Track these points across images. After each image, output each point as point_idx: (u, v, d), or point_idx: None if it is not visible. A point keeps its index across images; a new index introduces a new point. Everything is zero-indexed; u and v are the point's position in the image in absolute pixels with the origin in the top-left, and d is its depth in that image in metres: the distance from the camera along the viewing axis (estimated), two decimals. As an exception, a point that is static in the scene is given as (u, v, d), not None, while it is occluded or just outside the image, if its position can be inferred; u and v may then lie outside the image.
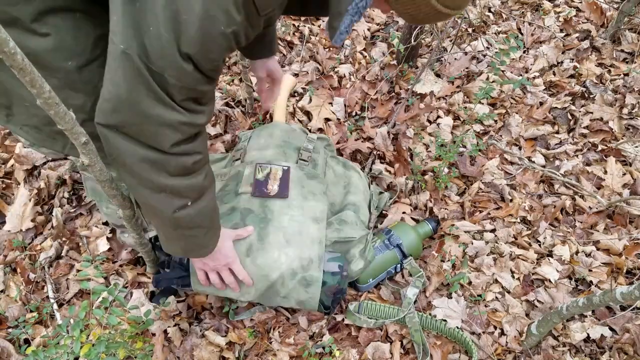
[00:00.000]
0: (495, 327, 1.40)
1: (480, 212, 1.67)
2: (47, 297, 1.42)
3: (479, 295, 1.45)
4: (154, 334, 1.34)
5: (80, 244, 1.53)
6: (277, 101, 1.55)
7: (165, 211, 0.92)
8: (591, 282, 1.48)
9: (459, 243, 1.57)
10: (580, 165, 1.78)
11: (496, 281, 1.49)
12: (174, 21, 0.69)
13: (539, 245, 1.59)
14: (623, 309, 1.39)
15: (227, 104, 1.91)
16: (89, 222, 1.57)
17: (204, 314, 1.40)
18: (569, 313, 1.20)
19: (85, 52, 0.83)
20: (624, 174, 1.74)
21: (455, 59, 2.14)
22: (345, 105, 1.94)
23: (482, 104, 1.97)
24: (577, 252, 1.56)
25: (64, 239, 1.53)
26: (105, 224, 1.56)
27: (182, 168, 0.88)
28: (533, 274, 1.51)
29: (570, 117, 1.94)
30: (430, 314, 1.39)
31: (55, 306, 1.39)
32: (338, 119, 1.90)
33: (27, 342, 1.34)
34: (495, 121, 1.94)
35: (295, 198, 1.31)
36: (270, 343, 1.35)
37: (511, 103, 2.00)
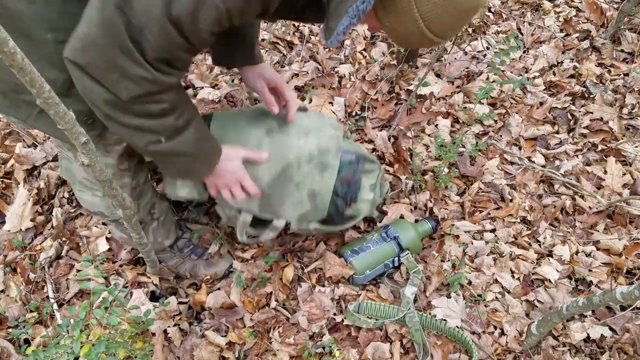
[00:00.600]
0: (495, 327, 1.40)
1: (480, 212, 1.67)
2: (47, 297, 1.41)
3: (479, 295, 1.45)
4: (154, 334, 1.34)
5: (80, 244, 1.53)
6: None
7: (138, 144, 0.94)
8: (591, 282, 1.48)
9: (459, 243, 1.57)
10: (580, 165, 1.78)
11: (496, 281, 1.49)
12: None
13: (539, 245, 1.59)
14: (623, 309, 1.39)
15: (227, 103, 1.91)
16: (89, 222, 1.57)
17: (204, 314, 1.40)
18: (569, 313, 1.20)
19: (67, 28, 0.82)
20: (624, 174, 1.74)
21: (455, 59, 2.14)
22: (345, 105, 1.94)
23: (482, 104, 1.97)
24: (577, 252, 1.56)
25: (64, 239, 1.53)
26: (105, 224, 1.56)
27: (147, 112, 0.88)
28: (533, 274, 1.51)
29: (570, 117, 1.94)
30: (430, 314, 1.39)
31: (55, 306, 1.39)
32: (339, 119, 1.90)
33: (27, 342, 1.34)
34: (495, 121, 1.94)
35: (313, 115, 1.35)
36: (270, 343, 1.35)
37: (511, 103, 2.00)
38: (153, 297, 1.43)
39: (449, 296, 1.44)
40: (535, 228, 1.62)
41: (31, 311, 1.37)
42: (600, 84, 2.05)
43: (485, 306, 1.44)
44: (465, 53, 2.16)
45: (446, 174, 1.70)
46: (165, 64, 0.82)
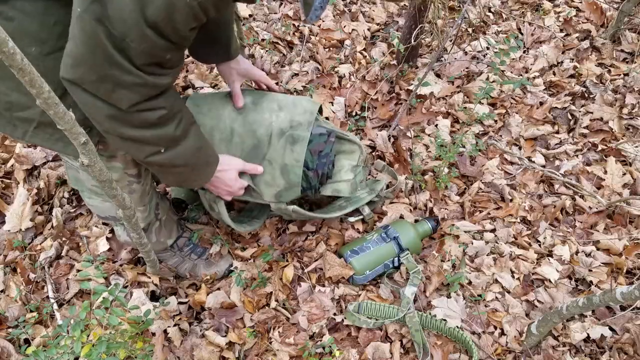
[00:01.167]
0: (495, 327, 1.40)
1: (480, 212, 1.67)
2: (47, 297, 1.41)
3: (479, 295, 1.45)
4: (154, 334, 1.34)
5: (80, 244, 1.53)
6: None
7: (138, 156, 0.96)
8: (591, 282, 1.48)
9: (459, 243, 1.57)
10: (580, 165, 1.78)
11: (496, 281, 1.49)
12: None
13: (539, 245, 1.59)
14: (623, 309, 1.39)
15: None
16: (89, 222, 1.57)
17: (204, 314, 1.40)
18: (569, 313, 1.20)
19: (50, 39, 0.83)
20: (624, 174, 1.74)
21: (455, 59, 2.14)
22: (345, 105, 1.94)
23: (482, 104, 1.97)
24: (577, 252, 1.56)
25: (64, 239, 1.53)
26: (105, 224, 1.56)
27: (146, 122, 0.89)
28: (533, 274, 1.51)
29: (570, 117, 1.94)
30: (430, 314, 1.39)
31: (55, 306, 1.39)
32: (339, 119, 1.90)
33: (27, 342, 1.33)
34: (495, 121, 1.94)
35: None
36: (270, 343, 1.35)
37: (511, 103, 2.00)
38: (153, 297, 1.43)
39: (449, 296, 1.44)
40: (535, 228, 1.62)
41: (31, 311, 1.37)
42: (600, 84, 2.05)
43: (485, 306, 1.44)
44: (465, 53, 2.16)
45: (446, 174, 1.70)
46: (155, 66, 0.83)
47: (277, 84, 1.87)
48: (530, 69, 2.14)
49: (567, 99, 1.99)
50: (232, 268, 1.48)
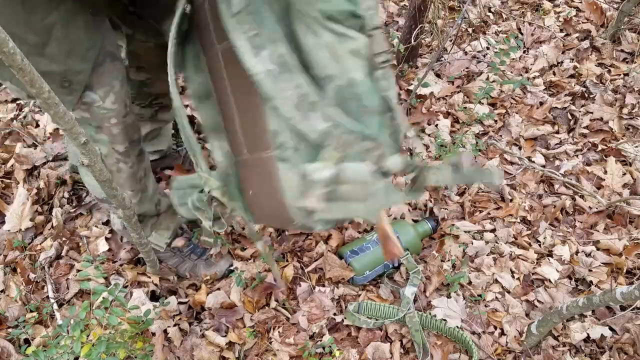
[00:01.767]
0: (495, 327, 1.40)
1: (480, 212, 1.67)
2: (47, 297, 1.41)
3: (479, 295, 1.45)
4: (154, 334, 1.34)
5: (80, 244, 1.53)
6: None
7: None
8: (591, 282, 1.48)
9: (459, 243, 1.57)
10: (580, 165, 1.78)
11: (496, 281, 1.49)
12: None
13: (539, 245, 1.59)
14: (623, 309, 1.39)
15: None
16: (89, 222, 1.57)
17: (204, 314, 1.40)
18: (569, 313, 1.20)
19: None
20: (624, 174, 1.74)
21: (455, 59, 2.14)
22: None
23: (482, 104, 1.97)
24: (577, 252, 1.56)
25: (64, 239, 1.53)
26: (105, 224, 1.56)
27: None
28: (533, 274, 1.51)
29: (570, 117, 1.94)
30: (430, 314, 1.39)
31: (55, 306, 1.39)
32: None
33: (27, 342, 1.33)
34: (495, 121, 1.94)
35: None
36: (270, 343, 1.35)
37: (511, 103, 2.00)
38: (153, 297, 1.43)
39: (449, 296, 1.44)
40: (535, 228, 1.62)
41: (31, 311, 1.37)
42: (600, 84, 2.05)
43: (485, 306, 1.44)
44: (465, 53, 2.16)
45: (446, 174, 1.70)
46: None
47: None
48: (530, 69, 2.14)
49: (567, 99, 1.99)
50: (232, 268, 1.48)
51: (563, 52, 2.19)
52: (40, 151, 1.69)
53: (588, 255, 1.55)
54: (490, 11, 2.42)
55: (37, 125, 1.80)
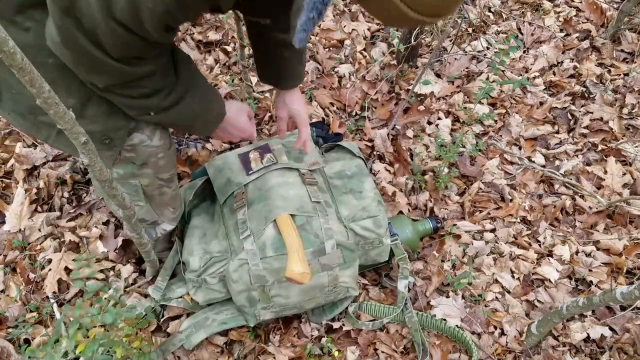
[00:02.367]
0: (495, 327, 1.40)
1: (480, 212, 1.67)
2: (47, 297, 1.41)
3: (479, 295, 1.45)
4: (153, 333, 1.34)
5: (80, 244, 1.53)
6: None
7: (130, 114, 0.95)
8: (591, 282, 1.48)
9: (459, 243, 1.57)
10: (580, 165, 1.78)
11: (496, 281, 1.49)
12: None
13: (539, 245, 1.59)
14: (623, 309, 1.39)
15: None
16: (88, 222, 1.57)
17: (204, 314, 1.40)
18: (569, 313, 1.20)
19: None
20: (624, 174, 1.74)
21: (455, 59, 2.14)
22: (345, 105, 1.94)
23: (482, 104, 1.97)
24: (577, 252, 1.56)
25: (63, 239, 1.53)
26: (105, 224, 1.56)
27: (128, 95, 0.88)
28: (533, 274, 1.51)
29: (570, 117, 1.94)
30: (429, 314, 1.39)
31: (55, 306, 1.39)
32: (340, 117, 1.90)
33: (27, 342, 1.33)
34: (495, 121, 1.94)
35: None
36: (270, 344, 1.35)
37: (511, 103, 2.00)
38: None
39: (448, 296, 1.44)
40: (535, 228, 1.62)
41: (31, 311, 1.37)
42: (600, 84, 2.05)
43: (485, 306, 1.44)
44: (465, 53, 2.16)
45: (446, 174, 1.70)
46: (133, 58, 0.81)
47: None
48: (530, 69, 2.14)
49: (567, 99, 1.99)
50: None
51: (563, 52, 2.19)
52: (40, 151, 1.68)
53: (588, 255, 1.55)
54: (490, 11, 2.42)
55: (37, 125, 1.80)
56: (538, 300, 1.45)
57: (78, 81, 0.85)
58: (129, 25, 0.73)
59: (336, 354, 1.31)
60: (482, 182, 1.74)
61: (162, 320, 1.37)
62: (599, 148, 1.84)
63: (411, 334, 1.35)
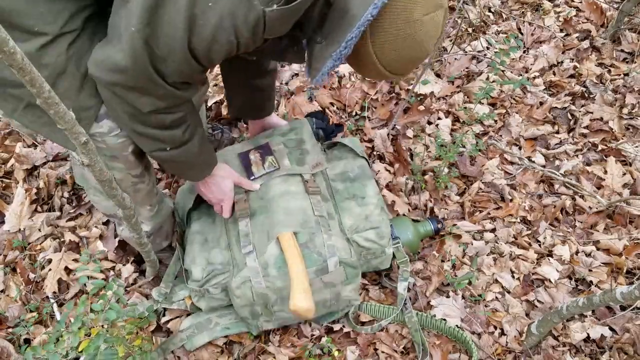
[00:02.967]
0: (495, 327, 1.40)
1: (480, 212, 1.66)
2: (47, 297, 1.41)
3: (479, 295, 1.45)
4: (153, 332, 1.34)
5: (80, 244, 1.53)
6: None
7: (144, 149, 1.05)
8: (591, 282, 1.48)
9: (460, 243, 1.56)
10: (580, 165, 1.78)
11: (496, 281, 1.49)
12: (191, 22, 0.79)
13: (539, 245, 1.59)
14: (623, 309, 1.39)
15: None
16: (88, 222, 1.57)
17: (204, 314, 1.40)
18: (569, 313, 1.20)
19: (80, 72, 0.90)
20: (624, 174, 1.73)
21: (455, 59, 2.14)
22: (345, 105, 1.94)
23: (482, 104, 1.97)
24: (577, 252, 1.56)
25: (63, 239, 1.53)
26: (105, 224, 1.56)
27: (161, 124, 0.97)
28: (533, 274, 1.51)
29: (570, 117, 1.94)
30: (429, 314, 1.39)
31: (55, 306, 1.39)
32: (340, 117, 1.90)
33: (27, 341, 1.34)
34: (495, 121, 1.94)
35: None
36: (270, 344, 1.35)
37: (511, 103, 2.00)
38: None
39: (448, 296, 1.44)
40: (535, 228, 1.62)
41: (31, 311, 1.37)
42: (600, 84, 2.05)
43: (485, 306, 1.44)
44: (465, 53, 2.16)
45: (446, 174, 1.70)
46: (184, 84, 0.93)
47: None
48: (530, 69, 2.14)
49: (567, 99, 1.99)
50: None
51: (563, 52, 2.19)
52: (40, 151, 1.69)
53: (588, 255, 1.55)
54: (490, 11, 2.42)
55: (37, 125, 1.80)
56: (538, 300, 1.45)
57: (56, 50, 0.87)
58: (200, 54, 0.84)
59: (336, 354, 1.31)
60: (482, 182, 1.74)
61: (163, 321, 1.37)
62: (599, 148, 1.84)
63: (411, 334, 1.35)
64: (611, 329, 1.39)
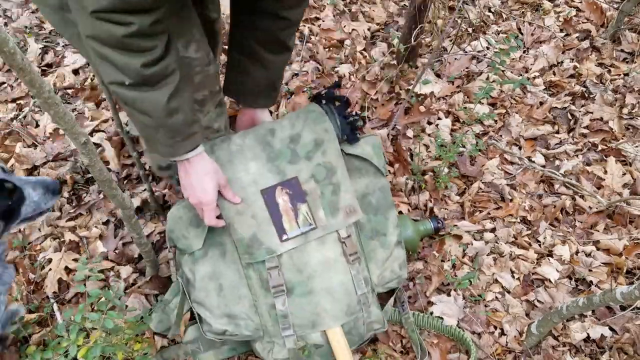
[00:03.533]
0: (495, 327, 1.40)
1: (480, 212, 1.67)
2: (47, 297, 1.41)
3: (479, 295, 1.45)
4: (154, 334, 1.34)
5: (80, 244, 1.53)
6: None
7: (104, 78, 0.87)
8: (591, 282, 1.48)
9: (460, 243, 1.57)
10: (580, 165, 1.78)
11: (496, 281, 1.49)
12: None
13: (539, 245, 1.59)
14: (623, 309, 1.39)
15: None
16: (88, 222, 1.57)
17: (204, 314, 1.40)
18: (569, 313, 1.20)
19: None
20: (624, 174, 1.74)
21: (455, 59, 2.14)
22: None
23: (482, 104, 1.97)
24: (577, 252, 1.56)
25: (63, 239, 1.53)
26: (105, 224, 1.56)
27: (111, 36, 0.79)
28: (533, 274, 1.51)
29: (570, 117, 1.94)
30: (425, 313, 1.39)
31: (55, 306, 1.39)
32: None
33: (26, 340, 1.34)
34: (495, 121, 1.94)
35: None
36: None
37: (511, 103, 2.00)
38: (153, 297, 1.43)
39: (449, 295, 1.44)
40: (535, 228, 1.62)
41: (31, 311, 1.37)
42: (600, 84, 2.05)
43: (485, 306, 1.44)
44: (465, 53, 2.16)
45: (446, 174, 1.70)
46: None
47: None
48: (530, 69, 2.14)
49: (567, 99, 1.99)
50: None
51: (563, 52, 2.19)
52: (40, 151, 1.69)
53: (588, 255, 1.55)
54: (490, 11, 2.42)
55: (37, 125, 1.80)
56: (538, 300, 1.45)
57: None
58: None
59: (336, 354, 1.31)
60: (482, 182, 1.74)
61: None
62: (599, 148, 1.84)
63: (409, 334, 1.35)
64: (611, 329, 1.39)
